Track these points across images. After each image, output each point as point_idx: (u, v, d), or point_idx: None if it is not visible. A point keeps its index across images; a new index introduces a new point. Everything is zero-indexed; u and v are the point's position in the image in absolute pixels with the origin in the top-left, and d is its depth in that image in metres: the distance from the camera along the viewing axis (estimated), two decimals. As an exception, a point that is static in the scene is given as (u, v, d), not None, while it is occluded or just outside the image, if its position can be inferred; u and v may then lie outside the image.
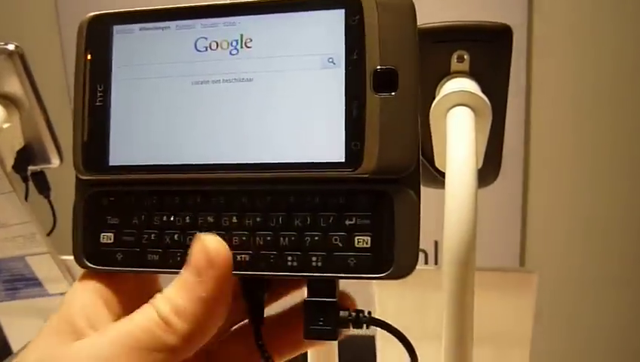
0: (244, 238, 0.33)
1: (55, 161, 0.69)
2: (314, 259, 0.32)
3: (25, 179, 0.69)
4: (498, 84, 0.56)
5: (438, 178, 0.60)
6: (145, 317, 0.30)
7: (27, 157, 0.68)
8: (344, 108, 0.32)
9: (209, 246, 0.31)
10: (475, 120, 0.52)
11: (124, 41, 0.35)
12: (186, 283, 0.30)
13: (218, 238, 0.31)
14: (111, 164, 0.35)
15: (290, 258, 0.32)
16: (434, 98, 0.57)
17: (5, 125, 0.64)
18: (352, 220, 0.32)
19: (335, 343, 0.54)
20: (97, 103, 0.35)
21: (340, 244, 0.32)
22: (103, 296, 0.33)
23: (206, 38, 0.34)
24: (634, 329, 1.38)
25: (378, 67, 0.32)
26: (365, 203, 0.32)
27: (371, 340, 0.71)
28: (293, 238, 0.32)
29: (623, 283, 1.36)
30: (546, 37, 1.26)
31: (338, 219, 0.32)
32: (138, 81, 0.35)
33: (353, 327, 0.34)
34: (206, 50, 0.34)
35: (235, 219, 0.33)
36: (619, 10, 1.24)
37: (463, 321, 0.49)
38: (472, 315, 0.49)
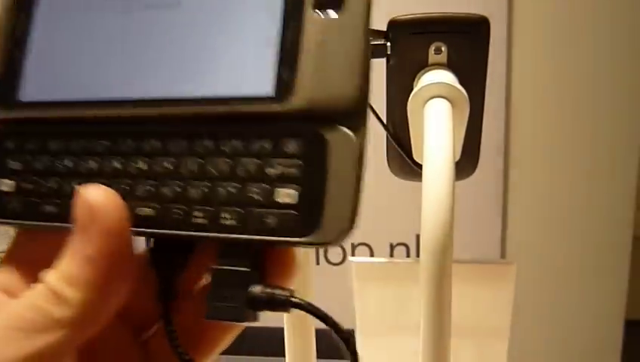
0: (150, 188, 0.27)
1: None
2: (226, 216, 0.26)
3: None
4: (476, 76, 0.57)
5: (416, 170, 0.61)
6: (32, 293, 0.25)
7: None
8: (277, 30, 0.26)
9: (90, 198, 0.26)
10: (453, 112, 0.52)
11: None
12: (72, 244, 0.26)
13: (103, 188, 0.26)
14: (20, 99, 0.30)
15: (198, 213, 0.26)
16: (411, 90, 0.57)
17: None
18: (275, 168, 0.26)
19: (312, 334, 0.52)
20: (16, 34, 0.30)
21: (259, 198, 0.26)
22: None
23: None
24: (614, 318, 1.40)
25: None
26: (294, 147, 0.26)
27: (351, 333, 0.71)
28: (205, 190, 0.26)
29: (603, 272, 1.37)
30: (526, 28, 1.27)
31: (259, 167, 0.26)
32: (63, 12, 0.30)
33: (267, 308, 0.27)
34: None
35: (142, 165, 0.28)
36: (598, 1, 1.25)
37: (441, 313, 0.49)
38: (450, 307, 0.49)
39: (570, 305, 1.40)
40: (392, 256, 1.37)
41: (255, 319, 0.27)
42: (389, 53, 0.56)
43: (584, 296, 1.39)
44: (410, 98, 0.54)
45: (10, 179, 0.30)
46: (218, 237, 0.26)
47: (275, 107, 0.26)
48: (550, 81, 1.30)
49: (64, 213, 0.27)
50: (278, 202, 0.26)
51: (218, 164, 0.26)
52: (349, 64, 0.25)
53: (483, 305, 0.68)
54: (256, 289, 0.26)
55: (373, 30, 0.58)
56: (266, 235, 0.26)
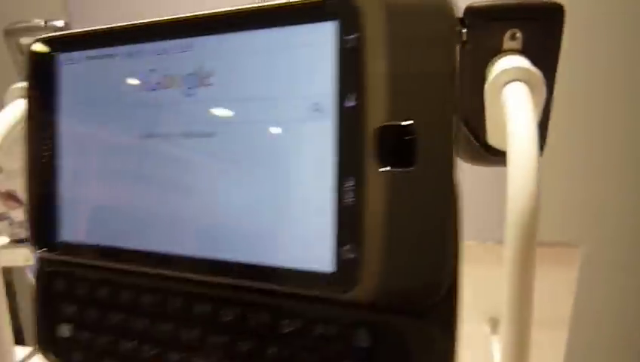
0: None
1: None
2: None
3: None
4: (549, 62, 0.57)
5: (486, 155, 0.62)
6: None
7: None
8: (333, 187, 0.19)
9: None
10: (531, 95, 0.53)
11: (70, 74, 0.27)
12: None
13: None
14: (61, 239, 0.28)
15: None
16: (484, 76, 0.58)
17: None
18: None
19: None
20: (43, 159, 0.27)
21: None
22: None
23: (155, 71, 0.25)
24: (627, 314, 1.40)
25: (386, 122, 0.19)
26: (362, 343, 0.19)
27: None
28: None
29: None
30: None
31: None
32: (84, 131, 0.26)
33: None
34: (156, 88, 0.25)
35: (194, 334, 0.23)
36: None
37: (526, 295, 0.50)
38: (533, 292, 0.50)
39: (593, 306, 1.40)
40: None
41: None
42: (464, 39, 0.57)
43: (608, 301, 1.39)
44: (488, 82, 0.55)
45: (68, 324, 0.29)
46: None
47: (337, 290, 0.18)
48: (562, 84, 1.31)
49: None
50: None
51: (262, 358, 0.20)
52: (428, 239, 0.17)
53: (543, 291, 0.68)
54: None
55: (448, 16, 0.59)
56: None
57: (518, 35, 0.56)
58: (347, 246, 0.19)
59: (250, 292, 0.22)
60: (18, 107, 0.63)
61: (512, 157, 0.49)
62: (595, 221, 1.35)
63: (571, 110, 1.30)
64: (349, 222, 0.18)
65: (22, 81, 0.65)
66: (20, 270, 0.72)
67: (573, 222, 1.32)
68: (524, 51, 0.57)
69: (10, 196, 0.70)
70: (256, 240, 0.21)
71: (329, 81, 0.19)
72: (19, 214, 0.70)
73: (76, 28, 0.78)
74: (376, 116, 0.17)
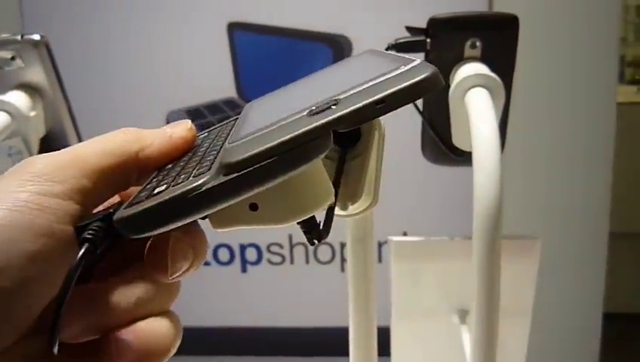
0: None
1: (75, 149, 0.71)
2: None
3: (46, 167, 0.70)
4: (505, 69, 0.62)
5: (449, 155, 0.66)
6: None
7: (49, 145, 0.69)
8: None
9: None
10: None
11: None
12: None
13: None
14: None
15: None
16: (448, 82, 0.63)
17: (32, 113, 0.65)
18: None
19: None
20: None
21: None
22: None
23: None
24: (592, 311, 1.46)
25: None
26: None
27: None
28: None
29: (581, 266, 1.43)
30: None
31: None
32: None
33: None
34: None
35: None
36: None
37: (492, 287, 0.54)
38: (499, 281, 0.54)
39: (550, 298, 1.46)
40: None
41: None
42: (428, 48, 0.62)
43: (564, 290, 1.45)
44: (452, 88, 0.59)
45: None
46: None
47: None
48: (529, 79, 1.36)
49: None
50: None
51: None
52: None
53: (506, 282, 0.72)
54: None
55: (413, 27, 0.63)
56: None
57: (478, 43, 0.61)
58: None
59: None
60: (-2, 120, 0.65)
61: (476, 156, 0.53)
62: (552, 215, 1.40)
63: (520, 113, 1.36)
64: None
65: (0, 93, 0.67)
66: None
67: (531, 216, 1.38)
68: (482, 59, 0.62)
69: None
70: None
71: None
72: None
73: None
74: None
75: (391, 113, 0.24)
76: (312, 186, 0.27)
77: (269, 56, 1.38)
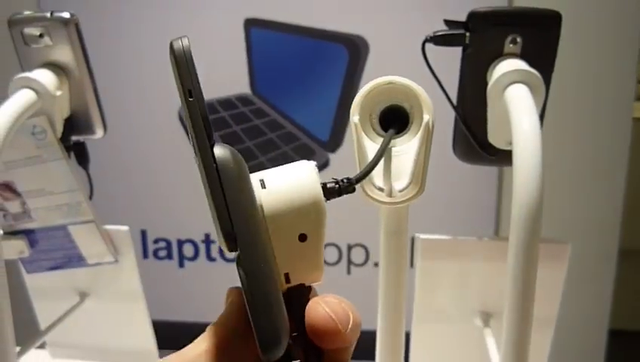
0: None
1: (99, 132, 0.69)
2: None
3: (68, 149, 0.69)
4: (545, 68, 0.60)
5: (481, 154, 0.64)
6: None
7: (72, 126, 0.68)
8: None
9: None
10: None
11: None
12: None
13: None
14: None
15: None
16: (485, 78, 0.61)
17: (58, 93, 0.64)
18: None
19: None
20: None
21: None
22: None
23: None
24: (598, 327, 1.44)
25: None
26: None
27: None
28: None
29: (589, 281, 1.42)
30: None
31: None
32: None
33: None
34: None
35: None
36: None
37: (527, 290, 0.52)
38: (535, 285, 0.53)
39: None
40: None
41: None
42: (467, 42, 0.60)
43: (569, 305, 1.44)
44: (491, 83, 0.58)
45: None
46: None
47: None
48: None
49: None
50: None
51: None
52: None
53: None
54: None
55: (452, 20, 0.61)
56: None
57: (519, 39, 0.60)
58: None
59: None
60: (23, 97, 0.63)
61: (517, 153, 0.51)
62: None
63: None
64: None
65: (24, 71, 0.65)
66: (10, 263, 0.72)
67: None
68: (522, 55, 0.60)
69: (8, 187, 0.69)
70: None
71: None
72: (14, 206, 0.69)
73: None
74: None
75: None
76: None
77: (284, 54, 1.37)
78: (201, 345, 0.29)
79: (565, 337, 1.43)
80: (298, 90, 1.37)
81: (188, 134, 1.39)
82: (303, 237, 0.28)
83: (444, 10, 0.63)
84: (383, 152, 0.38)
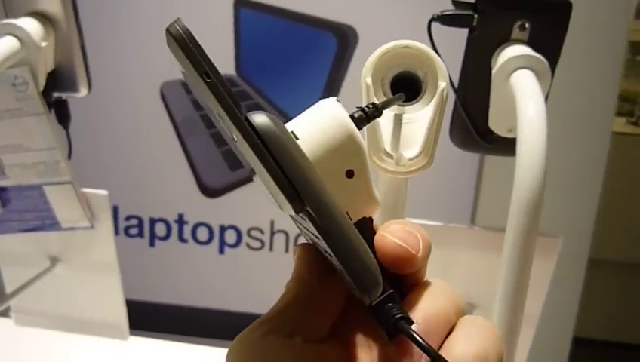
0: None
1: (83, 90, 0.66)
2: None
3: (49, 105, 0.65)
4: (551, 56, 0.59)
5: (478, 141, 0.63)
6: None
7: (55, 81, 0.64)
8: None
9: None
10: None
11: None
12: None
13: None
14: None
15: None
16: (489, 63, 0.60)
17: (43, 44, 0.61)
18: None
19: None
20: None
21: None
22: None
23: None
24: (563, 335, 1.45)
25: None
26: None
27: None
28: None
29: (556, 288, 1.43)
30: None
31: None
32: None
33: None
34: None
35: None
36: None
37: (521, 281, 0.51)
38: (529, 277, 0.51)
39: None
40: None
41: None
42: (474, 24, 0.59)
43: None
44: (496, 68, 0.56)
45: None
46: None
47: None
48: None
49: None
50: None
51: None
52: None
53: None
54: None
55: (461, 1, 0.60)
56: None
57: (527, 25, 0.58)
58: None
59: None
60: (5, 43, 0.60)
61: (522, 139, 0.50)
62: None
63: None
64: None
65: (8, 17, 0.62)
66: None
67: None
68: (530, 42, 0.59)
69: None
70: None
71: None
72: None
73: None
74: None
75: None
76: None
77: (272, 37, 1.34)
78: (283, 299, 0.29)
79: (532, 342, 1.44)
80: (284, 75, 1.35)
81: (171, 115, 1.37)
82: (350, 173, 0.28)
83: (436, 6, 0.61)
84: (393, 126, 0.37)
